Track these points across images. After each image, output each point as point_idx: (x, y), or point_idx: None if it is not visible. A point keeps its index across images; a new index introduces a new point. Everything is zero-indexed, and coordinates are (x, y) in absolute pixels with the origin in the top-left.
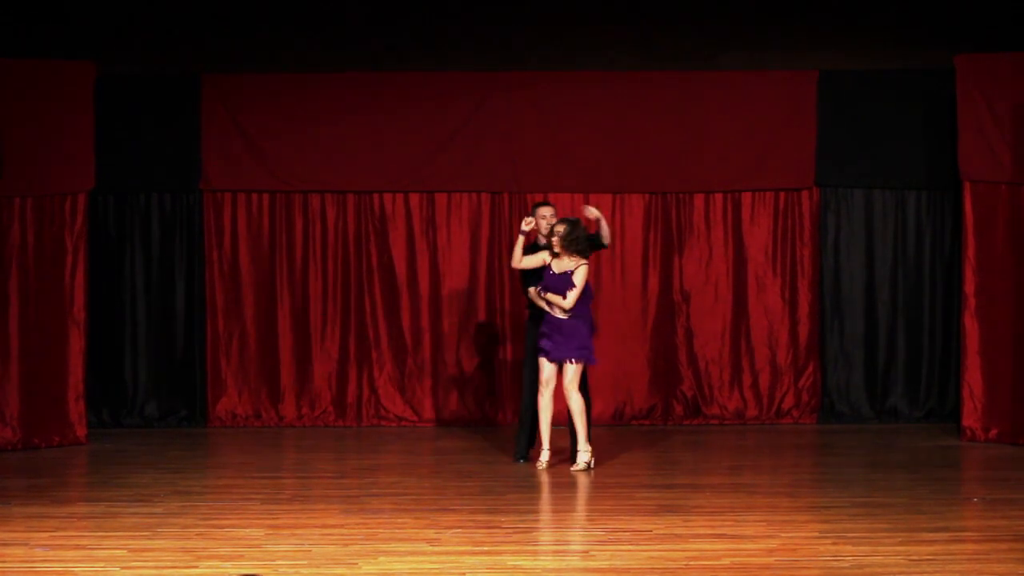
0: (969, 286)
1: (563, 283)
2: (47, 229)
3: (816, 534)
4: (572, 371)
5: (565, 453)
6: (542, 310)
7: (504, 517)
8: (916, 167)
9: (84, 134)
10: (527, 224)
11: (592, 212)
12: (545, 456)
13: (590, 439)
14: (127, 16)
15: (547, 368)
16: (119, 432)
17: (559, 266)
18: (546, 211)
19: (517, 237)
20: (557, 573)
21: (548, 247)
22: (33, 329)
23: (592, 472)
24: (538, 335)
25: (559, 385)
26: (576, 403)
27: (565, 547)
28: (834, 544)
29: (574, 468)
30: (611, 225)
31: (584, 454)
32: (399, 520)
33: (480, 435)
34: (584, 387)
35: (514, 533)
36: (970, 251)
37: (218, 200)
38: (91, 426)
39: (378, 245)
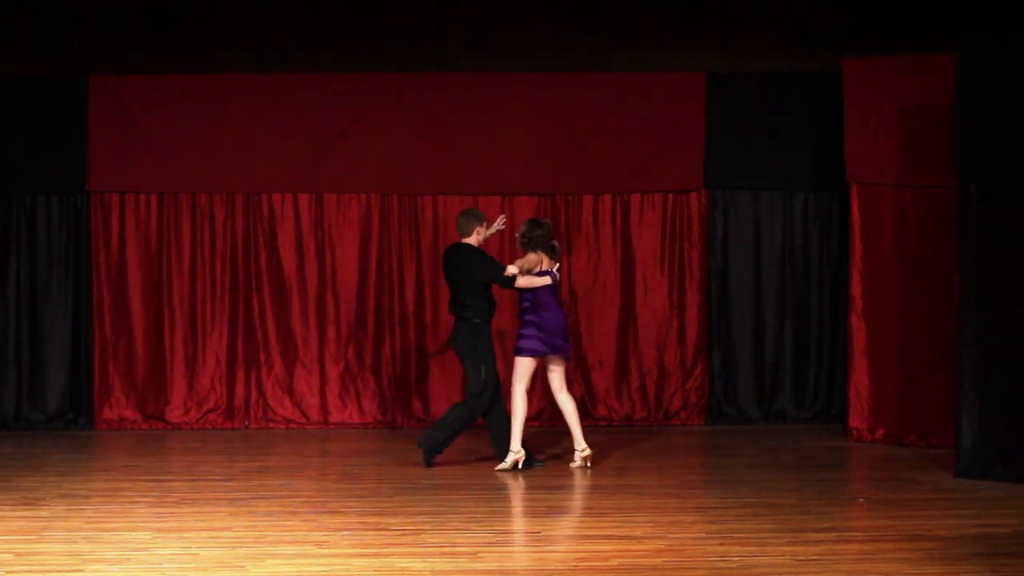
0: (856, 287)
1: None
2: None
3: (703, 535)
4: (516, 368)
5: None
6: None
7: (392, 519)
8: (803, 169)
9: None
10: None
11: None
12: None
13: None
14: (13, 16)
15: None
16: (4, 435)
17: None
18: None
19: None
20: (445, 575)
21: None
22: None
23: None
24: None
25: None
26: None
27: (454, 549)
28: (721, 544)
29: (499, 467)
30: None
31: (513, 454)
32: (287, 523)
33: (369, 437)
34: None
35: (402, 535)
36: (857, 253)
37: (105, 201)
38: None
39: (267, 246)
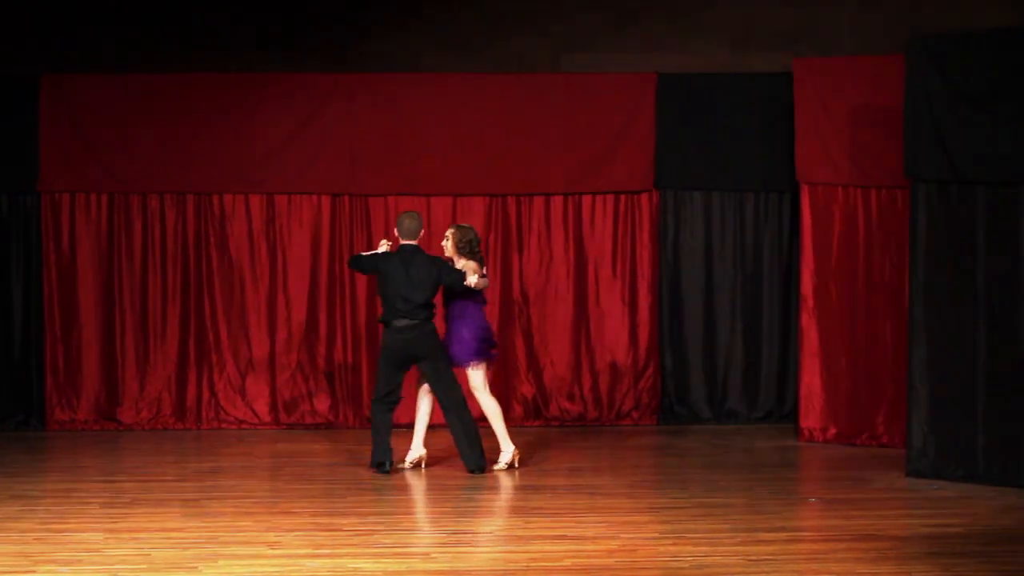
0: (806, 287)
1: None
2: None
3: (656, 535)
4: (471, 376)
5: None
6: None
7: (345, 519)
8: (755, 170)
9: None
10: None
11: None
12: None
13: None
14: None
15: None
16: None
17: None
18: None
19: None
20: (398, 575)
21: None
22: None
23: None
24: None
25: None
26: (484, 406)
27: (406, 549)
28: (674, 544)
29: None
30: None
31: (506, 454)
32: (239, 523)
33: (321, 437)
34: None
35: (355, 535)
36: (807, 252)
37: (56, 201)
38: None
39: (218, 247)
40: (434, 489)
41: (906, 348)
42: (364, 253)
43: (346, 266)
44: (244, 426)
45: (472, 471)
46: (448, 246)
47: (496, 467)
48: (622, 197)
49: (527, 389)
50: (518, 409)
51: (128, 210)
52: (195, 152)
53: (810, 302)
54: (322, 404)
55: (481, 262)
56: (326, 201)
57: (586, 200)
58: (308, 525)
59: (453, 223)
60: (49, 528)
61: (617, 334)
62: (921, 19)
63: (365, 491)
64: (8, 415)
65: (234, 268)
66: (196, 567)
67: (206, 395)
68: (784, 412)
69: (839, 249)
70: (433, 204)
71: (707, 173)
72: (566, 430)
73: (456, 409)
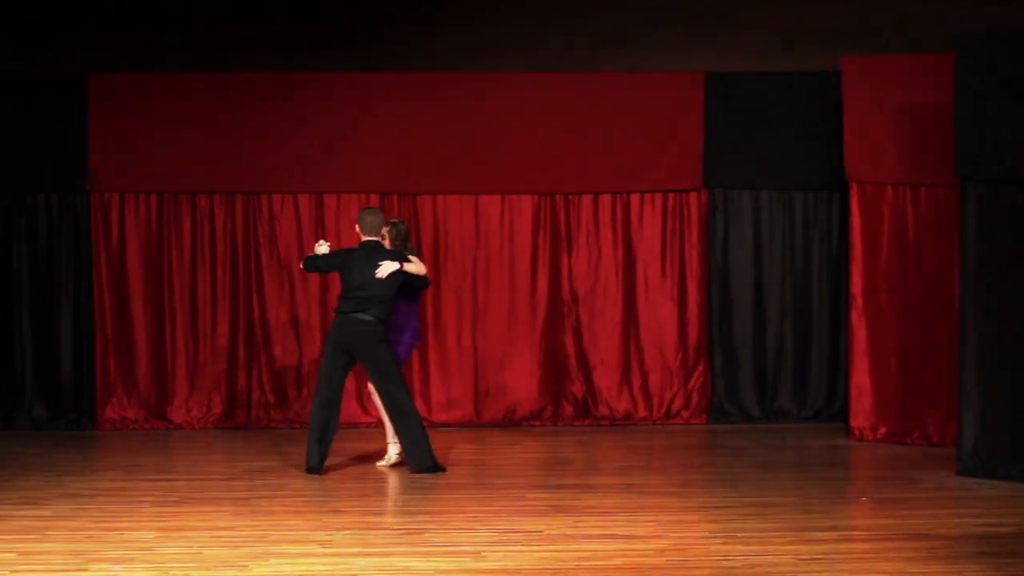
0: (856, 286)
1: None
2: None
3: (706, 534)
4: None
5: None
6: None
7: (395, 518)
8: (803, 168)
9: None
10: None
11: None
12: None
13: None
14: (11, 16)
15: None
16: (7, 435)
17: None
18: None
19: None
20: (448, 574)
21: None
22: None
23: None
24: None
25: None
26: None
27: (456, 548)
28: (724, 544)
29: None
30: (501, 226)
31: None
32: (290, 522)
33: (371, 436)
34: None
35: (405, 534)
36: (857, 251)
37: (105, 201)
38: None
39: (267, 246)
40: (484, 488)
41: (956, 347)
42: (315, 253)
43: (299, 269)
44: (294, 425)
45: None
46: (385, 244)
47: (380, 464)
48: (671, 196)
49: (577, 388)
50: (568, 408)
51: (177, 209)
52: (244, 151)
53: (860, 301)
54: (371, 403)
55: (416, 255)
56: (375, 200)
57: (635, 199)
58: (358, 524)
59: (389, 220)
60: (101, 526)
61: (666, 333)
62: (971, 16)
63: (415, 490)
64: (60, 414)
65: (283, 267)
66: (247, 565)
67: (256, 394)
68: (834, 411)
69: (889, 248)
70: (481, 203)
71: (756, 172)
72: (615, 429)
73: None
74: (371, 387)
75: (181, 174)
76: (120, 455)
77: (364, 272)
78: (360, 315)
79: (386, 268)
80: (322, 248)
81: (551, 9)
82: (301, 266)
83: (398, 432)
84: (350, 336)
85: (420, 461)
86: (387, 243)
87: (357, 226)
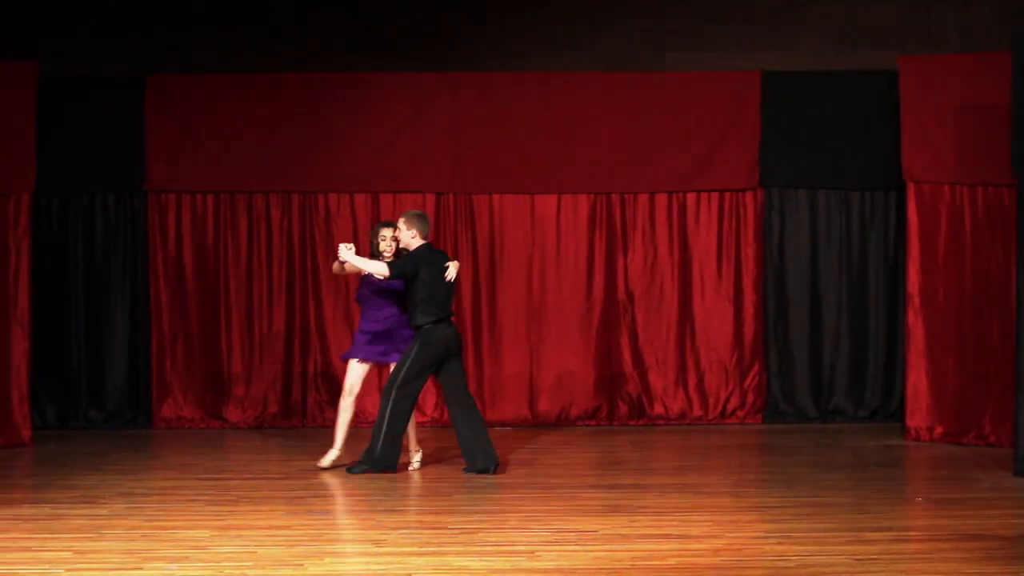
0: (913, 286)
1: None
2: None
3: (761, 534)
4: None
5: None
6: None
7: (450, 518)
8: (860, 168)
9: (26, 135)
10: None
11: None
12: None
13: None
14: (71, 16)
15: (357, 370)
16: (64, 434)
17: None
18: (387, 231)
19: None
20: (503, 574)
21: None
22: None
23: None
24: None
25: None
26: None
27: (511, 548)
28: (779, 544)
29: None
30: (557, 226)
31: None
32: (345, 521)
33: (425, 436)
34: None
35: (460, 534)
36: (914, 251)
37: (162, 201)
38: (35, 427)
39: (323, 246)
40: (539, 488)
41: (1013, 347)
42: (389, 260)
43: (386, 279)
44: (350, 424)
45: (481, 471)
46: (391, 245)
47: (320, 464)
48: (727, 195)
49: (632, 387)
50: (623, 407)
51: (234, 209)
52: (300, 151)
53: (916, 301)
54: (427, 402)
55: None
56: (431, 199)
57: (691, 198)
58: (413, 523)
59: (395, 218)
60: (156, 525)
61: (722, 333)
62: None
63: (470, 489)
64: (116, 413)
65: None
66: (302, 564)
67: (312, 394)
68: (890, 411)
69: (946, 247)
70: (537, 202)
71: (812, 171)
72: (671, 429)
73: (470, 407)
74: (446, 392)
75: (238, 174)
76: (175, 454)
77: (440, 276)
78: (452, 319)
79: (454, 269)
80: (347, 251)
81: (606, 8)
82: (388, 274)
83: (462, 430)
84: (456, 343)
85: (484, 460)
86: (407, 239)
87: (407, 229)
